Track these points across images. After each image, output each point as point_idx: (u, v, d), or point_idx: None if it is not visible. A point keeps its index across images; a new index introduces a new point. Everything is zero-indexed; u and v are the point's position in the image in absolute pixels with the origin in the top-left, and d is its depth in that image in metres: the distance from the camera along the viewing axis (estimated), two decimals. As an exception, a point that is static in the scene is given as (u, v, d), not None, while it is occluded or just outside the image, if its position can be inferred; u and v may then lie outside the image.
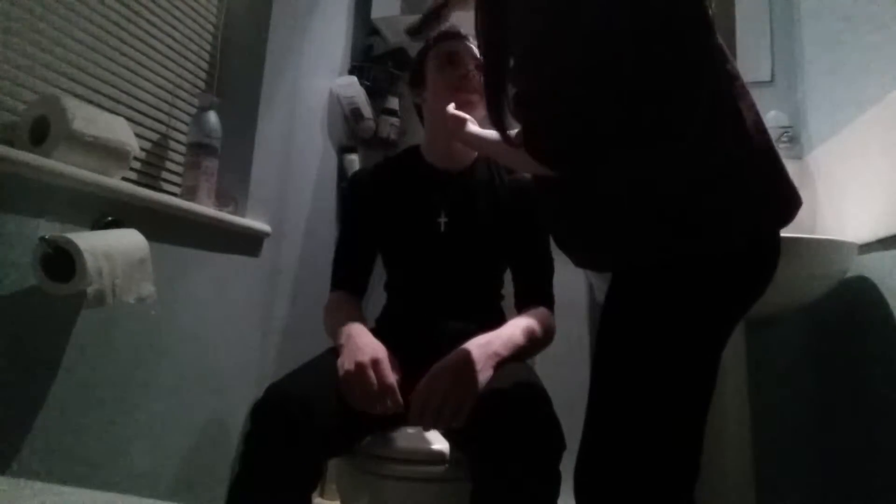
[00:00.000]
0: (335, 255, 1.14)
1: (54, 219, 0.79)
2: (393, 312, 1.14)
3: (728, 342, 0.71)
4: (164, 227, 0.99)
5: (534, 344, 0.96)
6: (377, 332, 0.95)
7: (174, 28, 1.14)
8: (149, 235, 0.86)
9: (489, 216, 1.08)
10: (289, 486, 0.77)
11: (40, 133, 0.77)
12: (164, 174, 1.14)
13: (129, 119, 0.98)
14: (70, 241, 0.71)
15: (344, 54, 1.75)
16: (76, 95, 0.91)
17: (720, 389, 0.72)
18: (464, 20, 0.96)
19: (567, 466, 0.76)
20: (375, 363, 0.85)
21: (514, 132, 0.76)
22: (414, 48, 1.18)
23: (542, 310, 1.03)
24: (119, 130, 0.87)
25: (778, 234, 0.70)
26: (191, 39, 1.19)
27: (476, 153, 1.13)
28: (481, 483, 0.77)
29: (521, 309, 1.04)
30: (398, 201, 1.11)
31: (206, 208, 1.09)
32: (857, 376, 1.14)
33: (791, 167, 0.74)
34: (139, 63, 1.05)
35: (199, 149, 1.11)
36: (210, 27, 1.26)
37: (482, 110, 1.03)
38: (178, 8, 1.15)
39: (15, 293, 0.74)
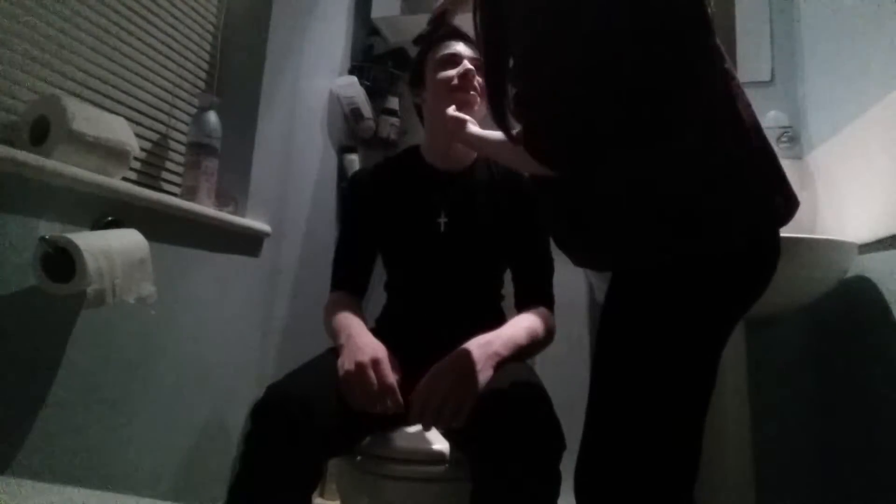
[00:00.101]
0: (335, 255, 1.14)
1: (54, 219, 0.79)
2: (393, 312, 1.14)
3: (728, 342, 0.71)
4: (164, 227, 0.99)
5: (534, 344, 0.96)
6: (377, 332, 0.95)
7: (174, 28, 1.14)
8: (149, 235, 0.86)
9: (489, 216, 1.08)
10: (289, 487, 0.77)
11: (40, 133, 0.77)
12: (164, 174, 1.14)
13: (129, 119, 0.98)
14: (70, 241, 0.71)
15: (344, 54, 1.75)
16: (76, 95, 0.91)
17: (720, 389, 0.72)
18: (464, 20, 0.96)
19: (567, 466, 0.76)
20: (375, 363, 0.85)
21: (515, 131, 0.76)
22: (414, 48, 1.18)
23: (542, 310, 1.03)
24: (119, 130, 0.87)
25: (778, 234, 0.70)
26: (191, 39, 1.19)
27: (476, 153, 1.13)
28: (481, 483, 0.77)
29: (521, 309, 1.04)
30: (398, 201, 1.11)
31: (206, 208, 1.09)
32: (857, 376, 1.14)
33: (791, 167, 0.75)
34: (139, 63, 1.05)
35: (199, 149, 1.11)
36: (210, 27, 1.26)
37: (482, 110, 1.04)
38: (178, 8, 1.15)
39: (15, 293, 0.74)
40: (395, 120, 1.81)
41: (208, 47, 1.25)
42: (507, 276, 1.14)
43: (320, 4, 1.57)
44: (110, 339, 0.89)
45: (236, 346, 1.23)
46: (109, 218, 0.86)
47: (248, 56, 1.29)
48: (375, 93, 1.78)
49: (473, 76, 1.04)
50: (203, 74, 1.24)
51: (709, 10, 0.65)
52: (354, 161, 1.70)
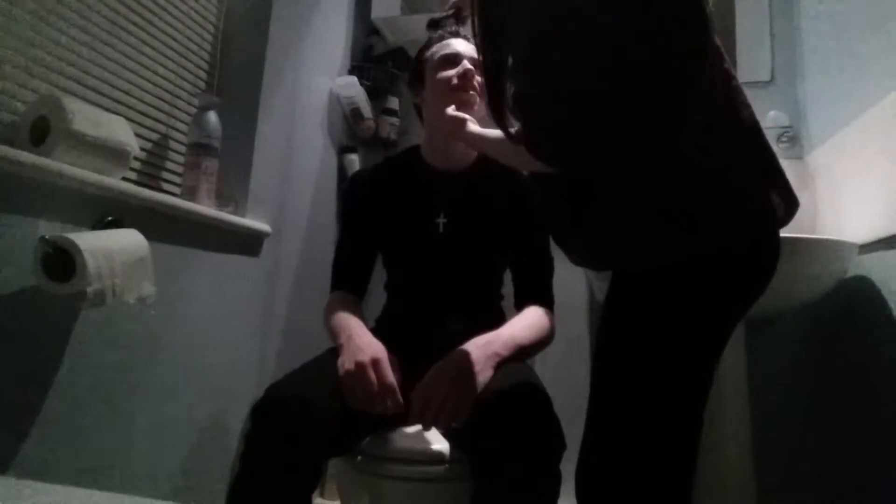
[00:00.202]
0: (335, 255, 1.14)
1: (54, 219, 0.79)
2: (393, 312, 1.14)
3: (728, 342, 0.71)
4: (164, 227, 0.99)
5: (534, 344, 0.96)
6: (377, 332, 0.95)
7: (174, 28, 1.14)
8: (149, 235, 0.86)
9: (488, 216, 1.08)
10: (289, 486, 0.77)
11: (40, 133, 0.77)
12: (164, 174, 1.14)
13: (129, 119, 0.98)
14: (70, 241, 0.71)
15: (344, 54, 1.75)
16: (76, 95, 0.91)
17: (720, 389, 0.72)
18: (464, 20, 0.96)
19: (567, 466, 0.76)
20: (375, 363, 0.85)
21: (514, 130, 0.76)
22: (414, 48, 1.18)
23: (541, 310, 1.03)
24: (119, 130, 0.87)
25: (778, 234, 0.70)
26: (191, 39, 1.19)
27: (476, 153, 1.13)
28: (482, 483, 0.77)
29: (521, 309, 1.04)
30: (398, 201, 1.11)
31: (206, 208, 1.08)
32: (857, 376, 1.14)
33: (791, 167, 0.75)
34: (139, 63, 1.05)
35: (199, 149, 1.11)
36: (210, 27, 1.26)
37: (482, 110, 1.03)
38: (178, 8, 1.15)
39: (15, 293, 0.74)
40: (395, 120, 1.81)
41: (208, 47, 1.25)
42: (507, 276, 1.14)
43: (320, 4, 1.57)
44: (110, 339, 0.89)
45: (236, 346, 1.23)
46: (109, 218, 0.86)
47: (248, 56, 1.29)
48: (375, 93, 1.78)
49: (473, 76, 1.04)
50: (203, 74, 1.24)
51: (708, 10, 0.65)
52: (354, 161, 1.70)
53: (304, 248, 1.52)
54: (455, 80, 1.04)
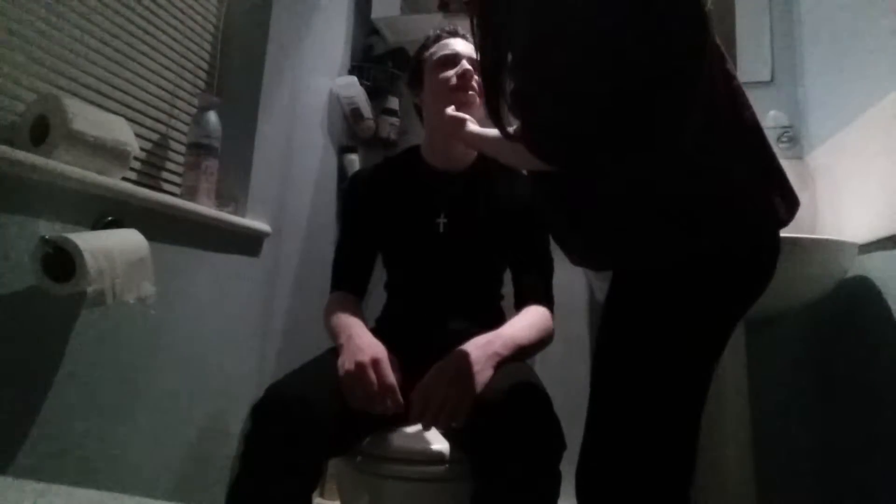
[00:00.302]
0: (335, 255, 1.14)
1: (54, 219, 0.79)
2: (393, 312, 1.14)
3: (728, 342, 0.71)
4: (164, 227, 0.99)
5: (534, 344, 0.96)
6: (377, 332, 0.95)
7: (174, 28, 1.14)
8: (149, 235, 0.86)
9: (488, 216, 1.08)
10: (289, 486, 0.77)
11: (40, 133, 0.77)
12: (164, 174, 1.14)
13: (129, 119, 0.98)
14: (70, 241, 0.71)
15: (344, 54, 1.75)
16: (76, 95, 0.91)
17: (720, 389, 0.72)
18: (463, 19, 0.96)
19: (567, 466, 0.76)
20: (376, 363, 0.85)
21: (511, 129, 0.76)
22: (414, 48, 1.18)
23: (541, 310, 1.03)
24: (119, 130, 0.87)
25: (778, 234, 0.70)
26: (191, 39, 1.19)
27: (475, 153, 1.13)
28: (482, 483, 0.77)
29: (520, 309, 1.04)
30: (398, 202, 1.11)
31: (206, 208, 1.08)
32: (857, 376, 1.14)
33: (791, 167, 0.75)
34: (139, 63, 1.05)
35: (199, 149, 1.11)
36: (210, 27, 1.26)
37: (481, 110, 1.04)
38: (178, 8, 1.15)
39: (15, 293, 0.74)
40: (395, 120, 1.81)
41: (208, 47, 1.25)
42: (507, 276, 1.14)
43: (320, 4, 1.57)
44: (110, 339, 0.89)
45: (236, 346, 1.23)
46: (109, 218, 0.86)
47: (248, 56, 1.29)
48: (375, 93, 1.78)
49: (472, 76, 1.04)
50: (203, 74, 1.24)
51: (707, 9, 0.65)
52: (354, 161, 1.70)
53: (304, 248, 1.52)
54: (454, 81, 1.04)
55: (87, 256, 0.71)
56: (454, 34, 1.10)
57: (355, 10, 1.80)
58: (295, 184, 1.46)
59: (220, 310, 1.16)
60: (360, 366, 0.84)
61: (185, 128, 1.17)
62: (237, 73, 1.29)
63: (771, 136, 0.72)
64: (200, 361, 1.11)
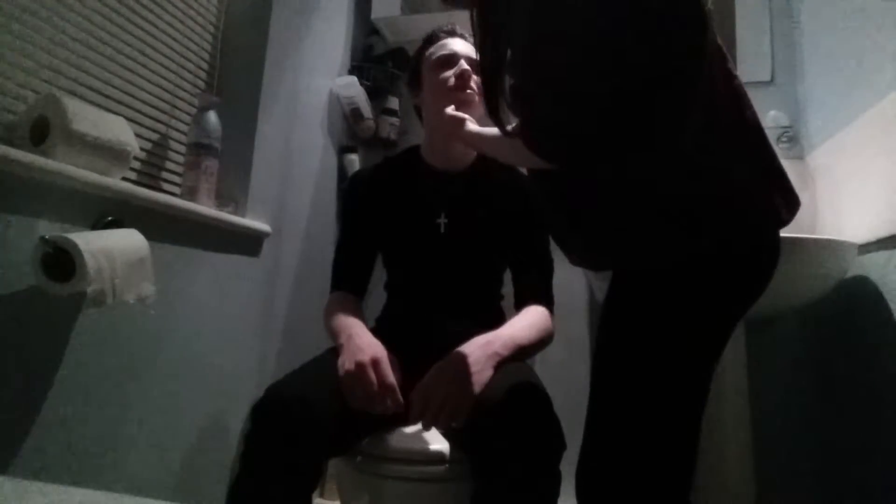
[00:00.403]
0: (335, 255, 1.14)
1: (54, 219, 0.79)
2: (393, 312, 1.14)
3: (728, 342, 0.71)
4: (164, 227, 0.99)
5: (534, 344, 0.96)
6: (377, 332, 0.95)
7: (174, 28, 1.14)
8: (149, 235, 0.86)
9: (488, 216, 1.08)
10: (289, 486, 0.77)
11: (40, 133, 0.77)
12: (164, 174, 1.14)
13: (129, 119, 0.98)
14: (70, 241, 0.71)
15: (344, 54, 1.75)
16: (76, 95, 0.91)
17: (720, 389, 0.72)
18: (463, 19, 0.95)
19: (567, 466, 0.76)
20: (376, 363, 0.85)
21: (510, 127, 0.75)
22: (414, 48, 1.18)
23: (541, 310, 1.03)
24: (119, 130, 0.87)
25: (778, 234, 0.70)
26: (191, 39, 1.19)
27: (475, 153, 1.13)
28: (482, 483, 0.77)
29: (520, 309, 1.04)
30: (398, 202, 1.11)
31: (206, 208, 1.08)
32: (857, 376, 1.14)
33: (791, 167, 0.75)
34: (139, 63, 1.05)
35: (199, 149, 1.11)
36: (210, 27, 1.26)
37: (480, 109, 1.04)
38: (178, 8, 1.15)
39: (15, 293, 0.74)
40: (395, 120, 1.81)
41: (208, 47, 1.25)
42: (507, 276, 1.14)
43: (320, 4, 1.57)
44: (110, 339, 0.89)
45: (236, 346, 1.23)
46: (109, 218, 0.86)
47: (248, 56, 1.29)
48: (375, 93, 1.78)
49: (470, 76, 1.04)
50: (203, 74, 1.24)
51: (707, 9, 0.65)
52: (354, 161, 1.70)
53: (304, 248, 1.52)
54: (452, 81, 1.04)
55: (87, 256, 0.71)
56: (452, 34, 1.10)
57: (355, 10, 1.80)
58: (295, 184, 1.46)
59: (220, 310, 1.16)
60: (360, 366, 0.84)
61: (185, 128, 1.17)
62: (237, 73, 1.29)
63: (771, 136, 0.71)
64: (200, 361, 1.11)
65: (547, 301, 1.05)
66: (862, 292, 1.12)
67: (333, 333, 0.98)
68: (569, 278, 1.40)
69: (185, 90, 1.18)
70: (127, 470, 0.93)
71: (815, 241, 1.04)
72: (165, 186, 1.14)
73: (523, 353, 0.94)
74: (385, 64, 1.81)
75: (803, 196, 0.71)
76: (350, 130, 1.77)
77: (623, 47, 0.62)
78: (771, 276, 0.70)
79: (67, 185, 0.79)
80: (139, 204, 0.92)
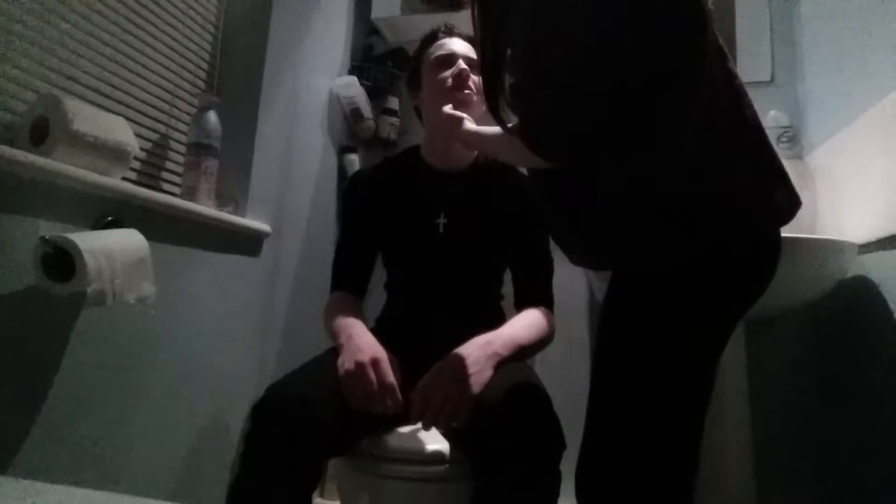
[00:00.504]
0: (335, 255, 1.14)
1: (54, 219, 0.79)
2: (393, 312, 1.14)
3: (728, 342, 0.71)
4: (164, 227, 0.99)
5: (534, 344, 0.97)
6: (377, 332, 0.95)
7: (174, 28, 1.14)
8: (149, 235, 0.86)
9: (488, 217, 1.08)
10: (289, 486, 0.77)
11: (40, 133, 0.77)
12: (164, 174, 1.14)
13: (129, 119, 0.98)
14: (70, 241, 0.71)
15: (344, 54, 1.75)
16: (76, 95, 0.91)
17: (720, 389, 0.72)
18: (462, 19, 0.96)
19: (567, 466, 0.76)
20: (375, 363, 0.85)
21: (510, 125, 0.75)
22: (414, 48, 1.18)
23: (541, 310, 1.03)
24: (119, 130, 0.87)
25: (779, 233, 0.70)
26: (191, 39, 1.19)
27: (475, 153, 1.13)
28: (482, 483, 0.77)
29: (520, 309, 1.04)
30: (397, 202, 1.11)
31: (206, 208, 1.08)
32: (857, 376, 1.14)
33: (791, 167, 0.75)
34: (139, 63, 1.05)
35: (199, 149, 1.11)
36: (210, 27, 1.26)
37: (479, 108, 1.04)
38: (178, 8, 1.15)
39: (15, 293, 0.74)
40: (395, 120, 1.81)
41: (208, 47, 1.25)
42: (507, 276, 1.14)
43: (320, 4, 1.57)
44: (110, 339, 0.89)
45: (236, 346, 1.23)
46: (109, 218, 0.86)
47: (248, 56, 1.29)
48: (375, 93, 1.78)
49: (468, 75, 1.04)
50: (203, 74, 1.24)
51: (707, 9, 0.65)
52: (354, 161, 1.70)
53: (304, 248, 1.52)
54: (450, 81, 1.04)
55: (87, 256, 0.71)
56: (451, 34, 1.11)
57: (355, 11, 1.80)
58: (295, 184, 1.46)
59: (220, 310, 1.16)
60: (359, 365, 0.84)
61: (185, 128, 1.17)
62: (237, 73, 1.29)
63: (771, 135, 0.71)
64: (200, 361, 1.11)
65: (547, 301, 1.06)
66: (862, 292, 1.12)
67: (333, 333, 0.98)
68: (569, 278, 1.40)
69: (185, 90, 1.18)
70: (127, 470, 0.93)
71: (815, 241, 1.04)
72: (165, 186, 1.14)
73: (523, 353, 0.94)
74: (385, 64, 1.81)
75: (803, 196, 0.71)
76: (350, 130, 1.77)
77: (623, 47, 0.62)
78: (772, 276, 0.70)
79: (67, 185, 0.79)
80: (139, 204, 0.92)
